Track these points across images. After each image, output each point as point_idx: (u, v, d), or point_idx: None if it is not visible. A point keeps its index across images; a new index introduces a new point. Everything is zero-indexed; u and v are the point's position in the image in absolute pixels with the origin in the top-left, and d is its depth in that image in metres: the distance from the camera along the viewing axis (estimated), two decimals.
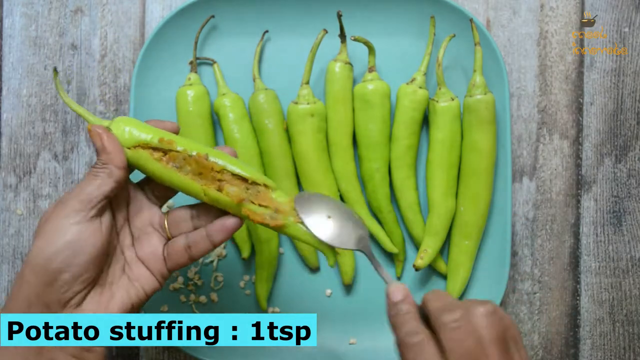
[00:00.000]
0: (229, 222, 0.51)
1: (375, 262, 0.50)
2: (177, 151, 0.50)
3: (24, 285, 0.47)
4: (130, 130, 0.50)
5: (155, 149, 0.50)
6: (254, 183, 0.51)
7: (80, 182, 0.49)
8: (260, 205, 0.50)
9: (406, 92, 0.64)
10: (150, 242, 0.52)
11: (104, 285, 0.49)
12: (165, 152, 0.50)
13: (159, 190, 0.54)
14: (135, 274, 0.51)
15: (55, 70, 0.52)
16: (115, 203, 0.51)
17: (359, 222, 0.53)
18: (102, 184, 0.48)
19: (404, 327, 0.45)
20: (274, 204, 0.51)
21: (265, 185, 0.51)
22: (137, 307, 0.51)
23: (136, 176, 0.53)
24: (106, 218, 0.49)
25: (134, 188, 0.53)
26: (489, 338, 0.43)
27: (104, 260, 0.49)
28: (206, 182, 0.50)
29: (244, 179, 0.51)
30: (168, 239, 0.53)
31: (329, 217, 0.52)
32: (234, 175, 0.51)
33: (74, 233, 0.47)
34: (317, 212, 0.52)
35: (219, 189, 0.50)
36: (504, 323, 0.44)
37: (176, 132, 0.53)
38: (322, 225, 0.51)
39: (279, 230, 0.51)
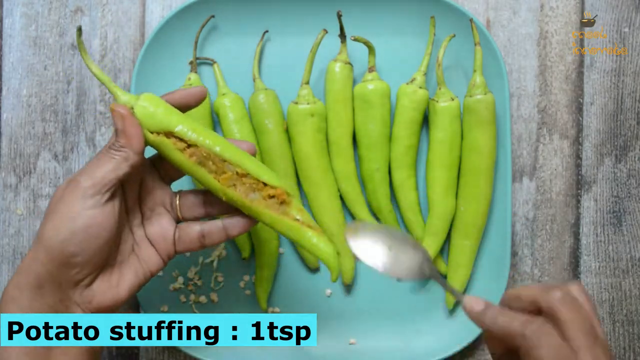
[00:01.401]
0: (247, 219, 0.52)
1: (444, 284, 0.50)
2: (200, 148, 0.50)
3: (36, 262, 0.47)
4: (155, 113, 0.49)
5: (178, 138, 0.50)
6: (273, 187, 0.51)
7: (93, 160, 0.49)
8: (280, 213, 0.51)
9: (406, 92, 0.64)
10: (160, 223, 0.52)
11: (113, 265, 0.50)
12: (189, 144, 0.50)
13: (172, 170, 0.53)
14: (143, 254, 0.52)
15: (79, 29, 0.49)
16: (127, 182, 0.51)
17: (417, 245, 0.52)
18: (117, 168, 0.47)
19: (514, 322, 0.44)
20: (294, 214, 0.51)
21: (287, 193, 0.51)
22: (142, 286, 0.52)
23: (149, 151, 0.52)
24: (118, 200, 0.49)
25: (147, 165, 0.53)
26: (592, 310, 0.44)
27: (116, 242, 0.50)
28: (226, 182, 0.50)
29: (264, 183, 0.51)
30: (178, 220, 0.53)
31: (384, 244, 0.51)
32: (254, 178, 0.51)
33: (88, 218, 0.47)
34: (371, 239, 0.51)
35: (241, 193, 0.50)
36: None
37: (203, 97, 0.52)
38: (376, 253, 0.51)
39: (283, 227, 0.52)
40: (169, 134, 0.49)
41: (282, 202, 0.51)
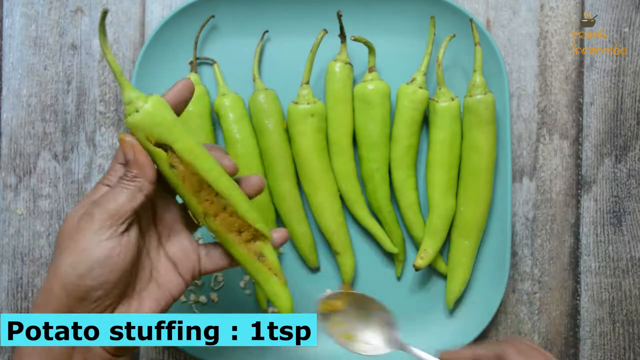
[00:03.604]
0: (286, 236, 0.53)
1: (413, 352, 0.56)
2: (193, 171, 0.48)
3: (53, 300, 0.46)
4: (159, 122, 0.46)
5: (175, 154, 0.47)
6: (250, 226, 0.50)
7: (107, 193, 0.47)
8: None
9: (406, 92, 0.64)
10: (180, 240, 0.51)
11: (132, 295, 0.49)
12: (184, 164, 0.47)
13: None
14: (163, 278, 0.50)
15: (104, 13, 0.44)
16: (141, 207, 0.48)
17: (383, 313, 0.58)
18: (132, 199, 0.46)
19: (494, 345, 0.50)
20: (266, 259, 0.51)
21: (264, 236, 0.51)
22: (165, 312, 0.50)
23: None
24: (135, 229, 0.47)
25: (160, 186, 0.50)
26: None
27: (134, 272, 0.48)
28: (206, 206, 0.49)
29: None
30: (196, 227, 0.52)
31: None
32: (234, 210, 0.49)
33: (106, 250, 0.45)
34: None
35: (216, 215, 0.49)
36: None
37: (191, 87, 0.50)
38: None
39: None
40: (168, 148, 0.47)
41: (256, 241, 0.51)
